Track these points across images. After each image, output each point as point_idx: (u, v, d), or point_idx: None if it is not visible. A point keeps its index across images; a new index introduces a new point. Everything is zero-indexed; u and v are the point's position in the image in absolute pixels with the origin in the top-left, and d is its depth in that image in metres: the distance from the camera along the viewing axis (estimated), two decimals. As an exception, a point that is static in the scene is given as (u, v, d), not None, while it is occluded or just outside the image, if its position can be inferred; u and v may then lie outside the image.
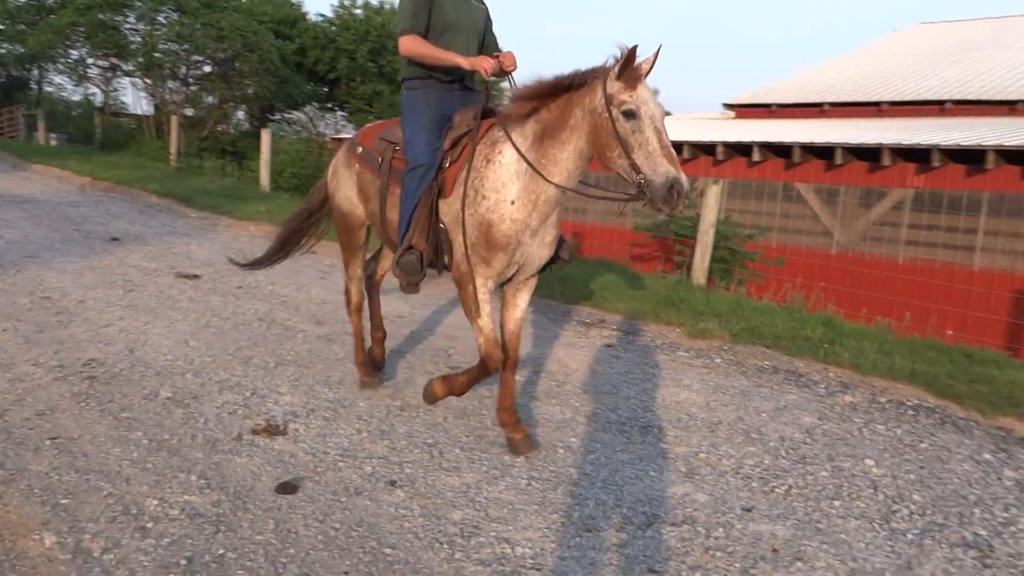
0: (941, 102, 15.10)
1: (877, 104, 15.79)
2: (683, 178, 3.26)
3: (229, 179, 16.85)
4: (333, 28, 28.02)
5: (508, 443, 3.96)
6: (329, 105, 30.74)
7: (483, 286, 3.84)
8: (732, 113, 17.87)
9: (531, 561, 2.97)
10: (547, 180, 3.64)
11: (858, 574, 2.98)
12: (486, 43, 4.30)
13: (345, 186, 4.58)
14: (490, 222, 3.70)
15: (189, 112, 23.77)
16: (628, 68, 3.35)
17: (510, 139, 3.73)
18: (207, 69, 23.48)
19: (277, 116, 29.34)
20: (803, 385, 5.26)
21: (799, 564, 3.04)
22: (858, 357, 5.67)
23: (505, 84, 4.09)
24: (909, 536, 3.30)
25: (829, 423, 4.58)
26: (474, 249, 3.77)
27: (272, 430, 4.03)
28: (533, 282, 4.12)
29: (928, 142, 9.83)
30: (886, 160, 10.13)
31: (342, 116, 30.98)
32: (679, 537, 3.21)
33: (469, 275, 3.84)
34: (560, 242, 4.05)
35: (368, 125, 4.62)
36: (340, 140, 19.77)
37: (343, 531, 3.12)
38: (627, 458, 3.96)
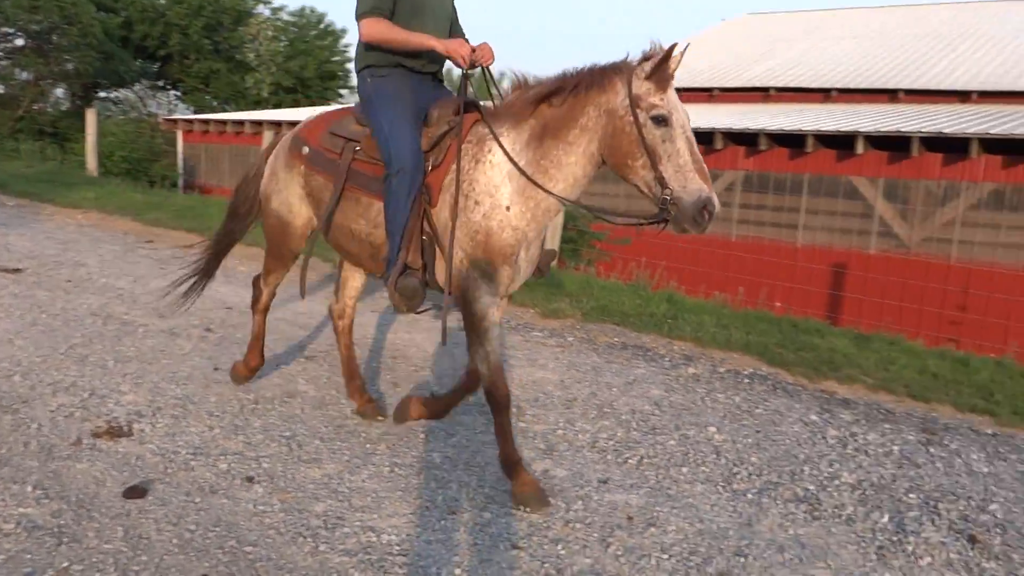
0: (766, 89, 16.16)
1: (709, 91, 16.69)
2: (715, 198, 2.99)
3: (51, 163, 15.61)
4: (162, 1, 26.35)
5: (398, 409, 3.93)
6: (161, 84, 28.97)
7: (492, 305, 3.33)
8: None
9: (397, 547, 2.98)
10: (542, 188, 3.23)
11: (705, 535, 3.19)
12: (453, 33, 3.83)
13: (286, 191, 3.95)
14: (488, 230, 3.27)
15: (0, 89, 21.71)
16: (662, 68, 3.02)
17: (496, 139, 3.31)
18: (19, 42, 21.49)
19: (102, 95, 27.34)
20: (650, 359, 5.53)
21: (652, 529, 3.22)
22: (698, 331, 6.03)
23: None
24: (749, 496, 3.57)
25: (675, 394, 4.85)
26: (473, 263, 3.31)
27: (115, 432, 3.80)
28: (504, 302, 3.62)
29: (756, 127, 10.51)
30: (719, 144, 10.74)
31: (175, 95, 29.31)
32: (542, 512, 3.31)
33: (472, 291, 3.32)
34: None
35: (311, 118, 4.00)
36: (174, 121, 18.69)
37: (199, 532, 3.00)
38: (487, 439, 4.02)
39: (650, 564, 2.96)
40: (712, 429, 4.30)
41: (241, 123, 16.68)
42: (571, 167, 3.22)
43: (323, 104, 28.16)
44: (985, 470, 3.93)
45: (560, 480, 3.62)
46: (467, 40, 3.60)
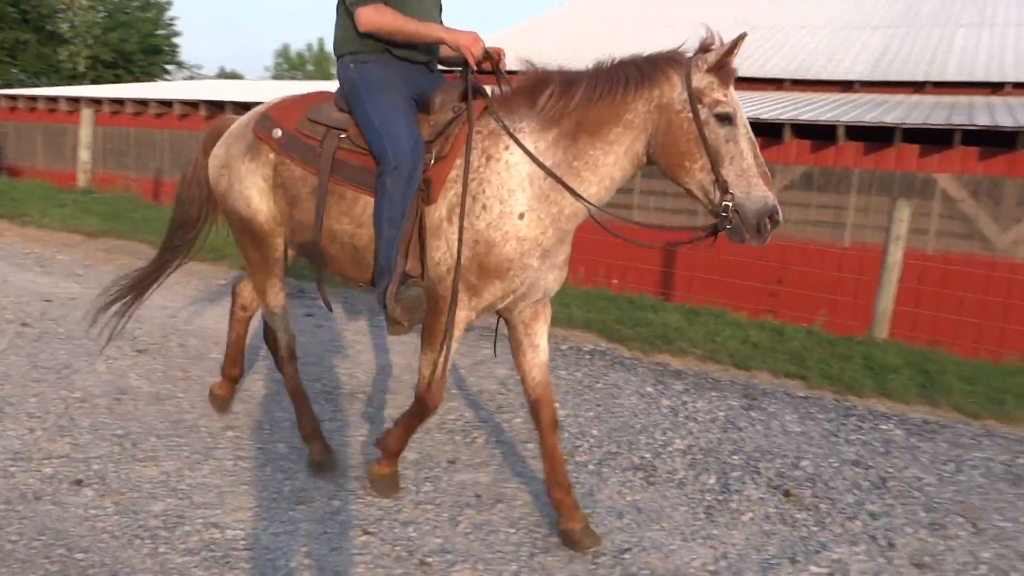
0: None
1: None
2: (778, 206, 2.73)
3: None
4: (-44, -37, 23.80)
5: (567, 536, 3.05)
6: (-42, 55, 26.19)
7: (464, 320, 3.03)
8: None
9: (243, 542, 2.92)
10: (578, 196, 2.87)
11: (550, 507, 3.32)
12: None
13: (245, 182, 3.37)
14: (490, 241, 2.88)
15: None
16: (726, 61, 2.72)
17: (512, 137, 2.91)
18: None
19: None
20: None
21: (500, 505, 3.32)
22: (542, 310, 6.21)
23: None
24: (590, 467, 3.74)
25: (520, 373, 4.98)
26: (462, 273, 2.95)
27: (-82, 441, 3.48)
28: (547, 311, 3.26)
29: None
30: (558, 127, 11.01)
31: (-24, 68, 26.60)
32: (390, 498, 3.33)
33: (448, 302, 2.98)
34: None
35: (279, 99, 3.46)
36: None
37: (23, 543, 2.81)
38: (336, 426, 4.00)
39: (499, 539, 3.06)
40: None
41: (55, 99, 15.40)
42: (608, 168, 2.87)
43: (148, 80, 26.49)
44: (798, 430, 4.32)
45: (410, 463, 3.65)
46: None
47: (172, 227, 3.89)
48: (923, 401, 4.86)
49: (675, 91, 2.76)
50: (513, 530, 3.13)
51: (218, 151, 3.55)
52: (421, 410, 3.19)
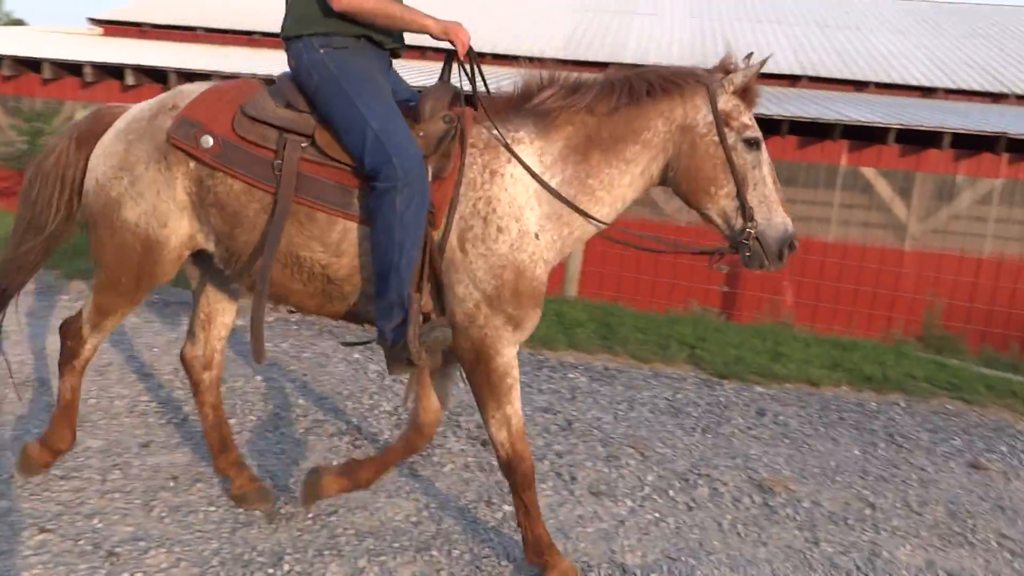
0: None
1: (249, 34, 16.22)
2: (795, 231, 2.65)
3: None
4: None
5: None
6: None
7: (514, 357, 2.65)
8: (99, 29, 16.44)
9: None
10: (588, 216, 2.63)
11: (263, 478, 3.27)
12: None
13: (153, 196, 2.70)
14: (519, 266, 2.55)
15: None
16: (754, 83, 2.62)
17: (510, 150, 2.60)
18: None
19: None
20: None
21: (199, 485, 3.19)
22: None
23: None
24: (296, 436, 3.72)
25: (222, 348, 4.79)
26: (495, 306, 2.56)
27: None
28: None
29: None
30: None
31: None
32: (73, 489, 3.07)
33: (491, 343, 2.59)
34: None
35: (196, 96, 2.74)
36: None
37: None
38: (3, 420, 3.58)
39: (198, 519, 2.95)
40: (259, 378, 4.36)
41: None
42: (623, 189, 2.67)
43: None
44: (497, 384, 4.62)
45: (94, 452, 3.38)
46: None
47: (20, 235, 3.06)
48: (605, 350, 5.44)
49: (699, 112, 2.62)
50: (213, 508, 3.03)
51: (112, 148, 2.79)
52: (521, 479, 2.69)
